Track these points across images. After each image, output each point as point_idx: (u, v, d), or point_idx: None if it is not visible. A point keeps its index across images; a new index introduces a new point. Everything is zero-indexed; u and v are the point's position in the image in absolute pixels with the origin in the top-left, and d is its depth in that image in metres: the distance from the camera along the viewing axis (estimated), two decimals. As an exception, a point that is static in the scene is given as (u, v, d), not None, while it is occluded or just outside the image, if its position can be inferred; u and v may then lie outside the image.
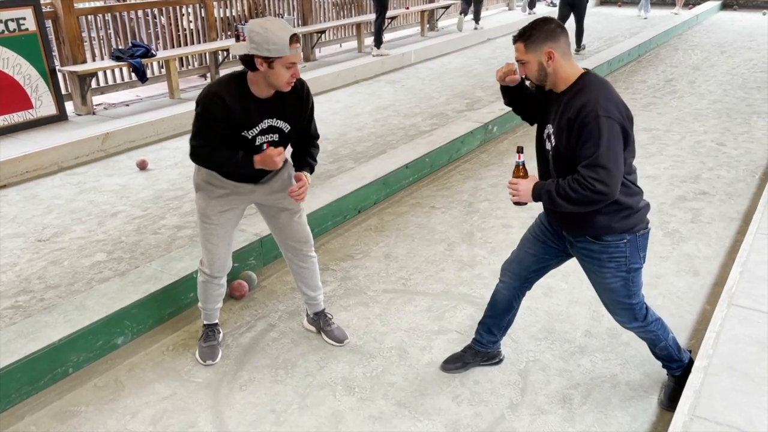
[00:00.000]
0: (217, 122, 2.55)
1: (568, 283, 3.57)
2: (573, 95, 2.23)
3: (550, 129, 2.35)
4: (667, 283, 3.62)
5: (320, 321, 3.18)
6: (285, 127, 2.69)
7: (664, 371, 2.75)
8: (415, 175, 5.20)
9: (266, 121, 2.62)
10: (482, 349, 2.90)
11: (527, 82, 2.43)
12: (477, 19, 12.23)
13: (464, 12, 12.22)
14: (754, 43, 11.13)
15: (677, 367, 2.70)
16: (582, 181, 2.17)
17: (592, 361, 2.96)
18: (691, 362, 2.70)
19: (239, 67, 2.60)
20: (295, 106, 2.69)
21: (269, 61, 2.43)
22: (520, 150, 2.42)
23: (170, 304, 3.36)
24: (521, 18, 13.62)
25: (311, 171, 2.82)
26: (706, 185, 5.00)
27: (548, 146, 2.38)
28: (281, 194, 2.86)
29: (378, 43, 9.90)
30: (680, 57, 10.13)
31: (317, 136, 2.86)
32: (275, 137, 2.69)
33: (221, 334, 3.14)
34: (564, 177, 2.26)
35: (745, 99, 7.49)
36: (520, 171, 2.41)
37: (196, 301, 3.13)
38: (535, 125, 2.52)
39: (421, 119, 6.99)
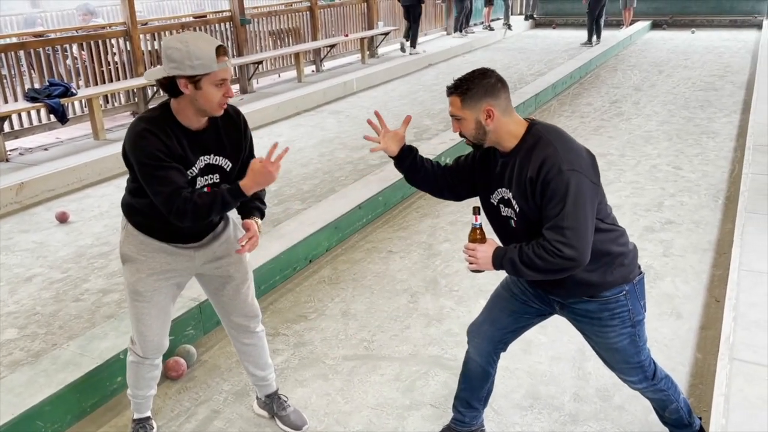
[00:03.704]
0: (168, 158, 2.07)
1: (547, 336, 3.23)
2: (528, 151, 1.96)
3: (504, 193, 2.05)
4: (650, 329, 3.26)
5: (273, 404, 2.73)
6: (226, 164, 2.26)
7: (669, 443, 2.44)
8: (368, 215, 4.81)
9: (203, 158, 2.19)
10: (465, 428, 2.51)
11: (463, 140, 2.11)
12: (413, 43, 12.29)
13: (407, 36, 12.56)
14: (689, 61, 11.33)
15: (686, 435, 2.39)
16: (548, 246, 1.89)
17: (587, 433, 2.62)
18: (701, 431, 2.39)
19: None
20: (234, 139, 2.27)
21: (195, 80, 2.02)
22: (476, 211, 2.10)
23: (93, 394, 2.84)
24: (459, 42, 13.55)
25: (262, 216, 2.39)
26: (670, 213, 4.81)
27: (506, 212, 2.08)
28: (226, 260, 2.42)
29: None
30: (620, 78, 10.17)
31: None
32: (215, 178, 2.25)
33: (154, 429, 2.65)
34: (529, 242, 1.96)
35: (692, 119, 7.47)
36: (477, 234, 2.08)
37: (124, 386, 2.63)
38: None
39: (369, 151, 6.62)
